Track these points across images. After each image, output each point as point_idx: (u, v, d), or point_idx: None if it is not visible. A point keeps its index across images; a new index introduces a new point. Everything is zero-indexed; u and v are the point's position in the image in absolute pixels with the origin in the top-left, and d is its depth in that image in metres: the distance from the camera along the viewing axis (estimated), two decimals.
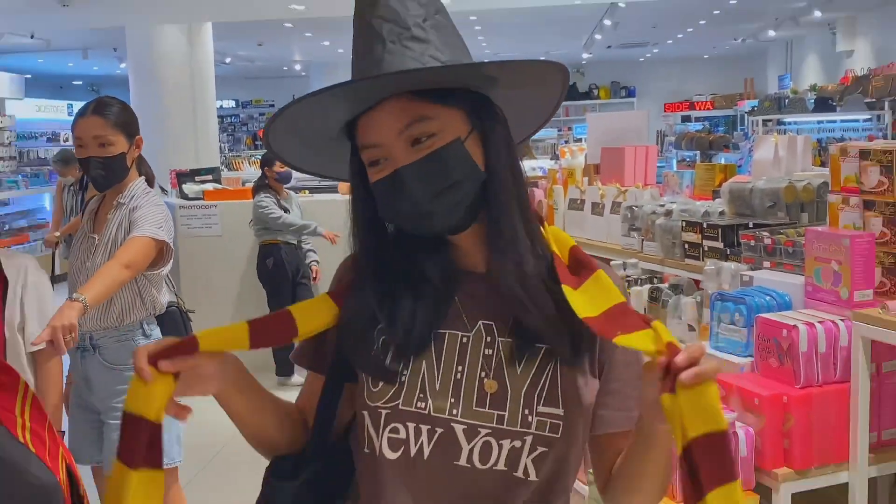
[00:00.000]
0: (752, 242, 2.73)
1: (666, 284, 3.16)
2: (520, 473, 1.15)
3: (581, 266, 1.20)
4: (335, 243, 6.28)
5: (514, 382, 1.16)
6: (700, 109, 16.11)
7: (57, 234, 7.82)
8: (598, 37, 14.75)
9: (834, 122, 11.49)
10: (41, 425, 1.24)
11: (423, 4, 1.21)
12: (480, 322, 1.20)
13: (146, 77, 11.29)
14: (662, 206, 3.35)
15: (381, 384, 1.17)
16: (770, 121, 11.72)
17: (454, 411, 1.15)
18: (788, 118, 11.69)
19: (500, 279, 1.18)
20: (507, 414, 1.15)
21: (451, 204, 1.16)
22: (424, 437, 1.15)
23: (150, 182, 3.08)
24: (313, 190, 8.83)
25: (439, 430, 1.15)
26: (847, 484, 2.23)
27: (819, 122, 11.55)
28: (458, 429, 1.15)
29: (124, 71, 13.49)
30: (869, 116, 11.06)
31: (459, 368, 1.17)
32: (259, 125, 20.19)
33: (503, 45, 15.73)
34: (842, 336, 2.21)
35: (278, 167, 6.79)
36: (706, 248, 2.97)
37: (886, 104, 10.55)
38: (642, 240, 3.37)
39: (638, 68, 20.67)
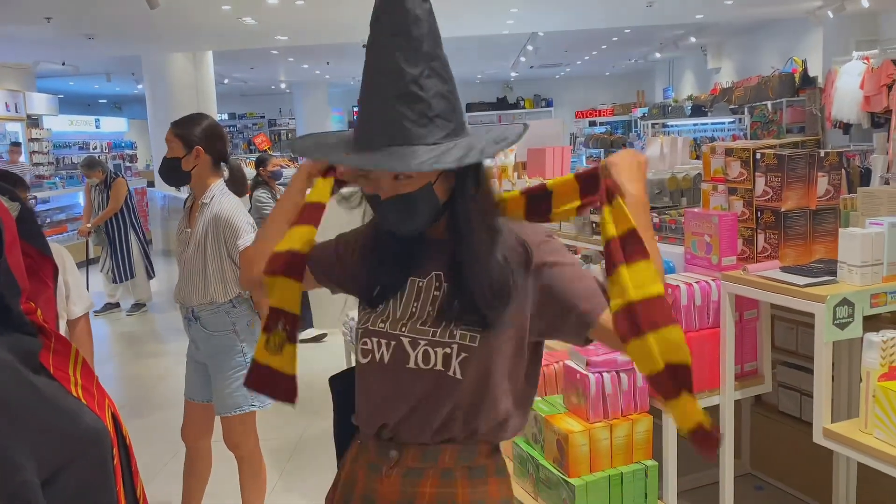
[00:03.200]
0: None
1: (579, 255, 3.19)
2: (451, 373, 1.23)
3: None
4: None
5: (448, 312, 1.26)
6: (603, 116, 16.23)
7: (88, 225, 7.61)
8: (522, 59, 14.75)
9: (706, 124, 11.68)
10: (90, 382, 1.24)
11: (418, 59, 1.17)
12: (433, 272, 1.29)
13: (159, 96, 11.04)
14: None
15: (365, 312, 1.32)
16: (657, 124, 11.87)
17: (403, 329, 1.26)
18: (671, 122, 11.85)
19: (462, 261, 1.25)
20: (439, 330, 1.24)
21: (416, 226, 1.24)
22: (384, 348, 1.27)
23: (238, 189, 2.93)
24: None
25: (393, 343, 1.26)
26: (718, 405, 2.30)
27: (694, 125, 11.74)
28: (405, 341, 1.25)
29: (141, 91, 13.17)
30: (733, 119, 11.26)
31: (415, 304, 1.28)
32: (252, 133, 19.80)
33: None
34: (713, 292, 2.25)
35: (270, 166, 6.67)
36: None
37: (746, 110, 10.74)
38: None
39: (554, 84, 20.70)
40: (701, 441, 1.15)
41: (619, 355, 2.20)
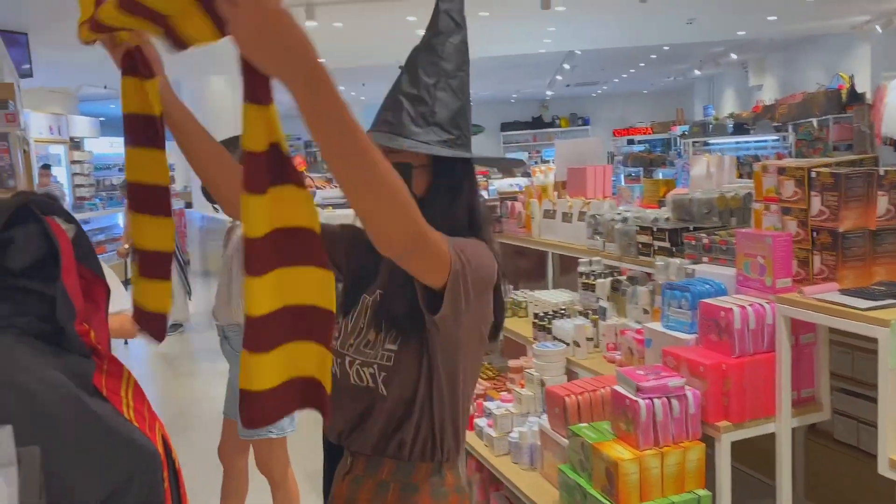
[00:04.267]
0: (694, 242, 2.72)
1: (624, 277, 3.15)
2: (379, 390, 1.37)
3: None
4: None
5: (376, 334, 1.39)
6: (641, 134, 16.11)
7: (126, 246, 7.75)
8: (559, 77, 14.78)
9: (748, 142, 11.51)
10: (142, 404, 1.25)
11: (438, 73, 1.34)
12: (378, 291, 1.42)
13: (198, 118, 11.26)
14: (619, 214, 3.34)
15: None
16: (698, 142, 11.72)
17: (349, 348, 1.41)
18: (712, 140, 11.69)
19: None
20: (370, 350, 1.39)
21: None
22: (337, 366, 1.41)
23: None
24: (336, 206, 8.78)
25: (339, 360, 1.42)
26: (774, 433, 2.24)
27: (737, 143, 11.56)
28: (347, 360, 1.41)
29: None
30: (776, 137, 11.08)
31: (362, 321, 1.42)
32: (293, 154, 20.08)
33: (482, 85, 15.70)
34: (767, 315, 2.21)
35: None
36: (656, 248, 2.96)
37: (790, 127, 10.59)
38: (604, 241, 3.36)
39: (591, 102, 20.67)
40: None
41: (669, 380, 2.15)
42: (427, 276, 1.22)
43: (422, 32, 1.42)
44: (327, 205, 8.76)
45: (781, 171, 2.34)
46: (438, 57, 1.34)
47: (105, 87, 12.25)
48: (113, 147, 15.83)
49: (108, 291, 1.45)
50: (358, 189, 1.00)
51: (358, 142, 0.96)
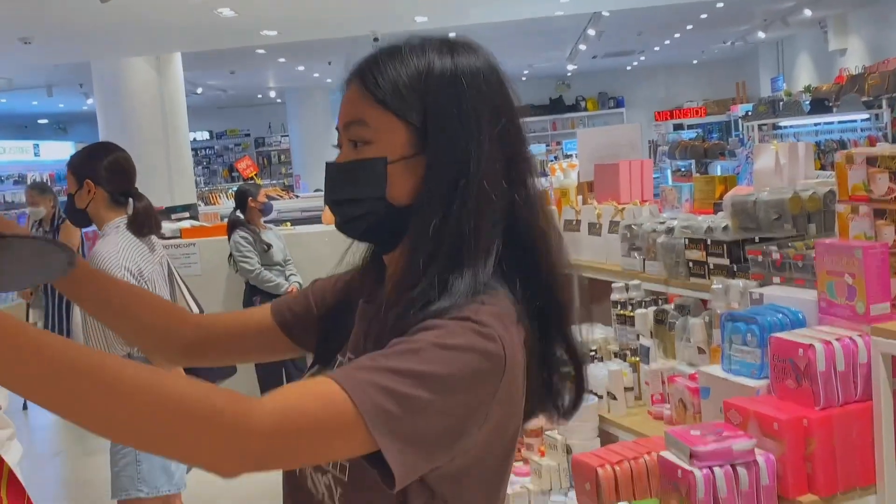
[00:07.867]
0: (760, 258, 2.71)
1: (671, 305, 3.14)
2: None
3: None
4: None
5: None
6: (692, 117, 16.18)
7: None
8: (582, 47, 14.85)
9: (831, 123, 11.55)
10: (20, 499, 1.24)
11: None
12: (349, 353, 1.26)
13: (115, 112, 11.29)
14: (662, 223, 3.33)
15: None
16: (765, 125, 11.76)
17: None
18: (784, 121, 11.73)
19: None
20: None
21: (349, 217, 1.22)
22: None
23: (137, 228, 3.28)
24: (295, 222, 8.79)
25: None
26: None
27: (816, 125, 11.59)
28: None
29: (92, 107, 13.49)
30: (867, 116, 11.11)
31: None
32: (235, 156, 20.18)
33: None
34: (860, 353, 2.17)
35: (262, 197, 6.77)
36: (711, 266, 2.95)
37: (884, 102, 10.62)
38: (644, 259, 3.35)
39: (625, 77, 20.81)
40: None
41: (734, 443, 2.12)
42: (339, 454, 1.07)
43: None
44: (284, 220, 8.79)
45: (872, 161, 2.33)
46: None
47: None
48: (5, 153, 15.87)
49: None
50: (127, 435, 0.93)
51: (95, 382, 0.88)
